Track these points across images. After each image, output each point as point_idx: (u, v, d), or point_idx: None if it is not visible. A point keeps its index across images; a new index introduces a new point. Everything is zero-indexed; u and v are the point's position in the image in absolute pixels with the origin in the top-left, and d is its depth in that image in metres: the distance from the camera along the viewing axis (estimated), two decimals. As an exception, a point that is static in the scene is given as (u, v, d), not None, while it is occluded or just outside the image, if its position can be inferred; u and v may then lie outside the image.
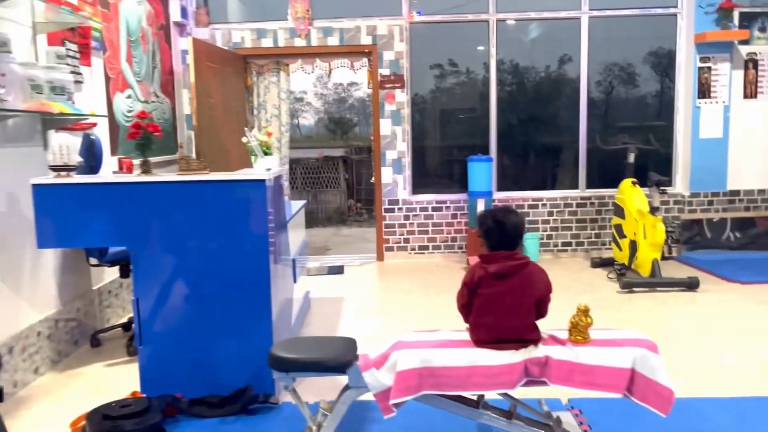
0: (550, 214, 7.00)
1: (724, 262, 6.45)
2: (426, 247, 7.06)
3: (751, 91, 6.79)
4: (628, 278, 5.56)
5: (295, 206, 4.91)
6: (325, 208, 16.04)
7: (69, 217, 3.22)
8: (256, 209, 3.25)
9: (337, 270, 6.64)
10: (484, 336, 2.61)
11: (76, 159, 3.29)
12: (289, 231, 4.32)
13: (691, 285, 5.48)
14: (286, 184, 6.70)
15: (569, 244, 7.04)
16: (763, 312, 4.85)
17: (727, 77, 6.76)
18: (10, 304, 3.59)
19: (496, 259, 2.61)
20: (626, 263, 5.93)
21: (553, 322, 2.72)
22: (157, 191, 3.23)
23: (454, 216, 7.02)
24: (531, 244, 6.77)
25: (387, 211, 7.02)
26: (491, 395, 2.63)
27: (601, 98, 7.25)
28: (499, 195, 7.00)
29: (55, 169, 3.24)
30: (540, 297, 2.59)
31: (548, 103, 7.33)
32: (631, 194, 5.93)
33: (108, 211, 3.23)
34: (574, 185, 7.09)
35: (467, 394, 2.58)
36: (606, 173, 6.99)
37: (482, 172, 6.57)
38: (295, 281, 4.43)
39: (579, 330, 2.64)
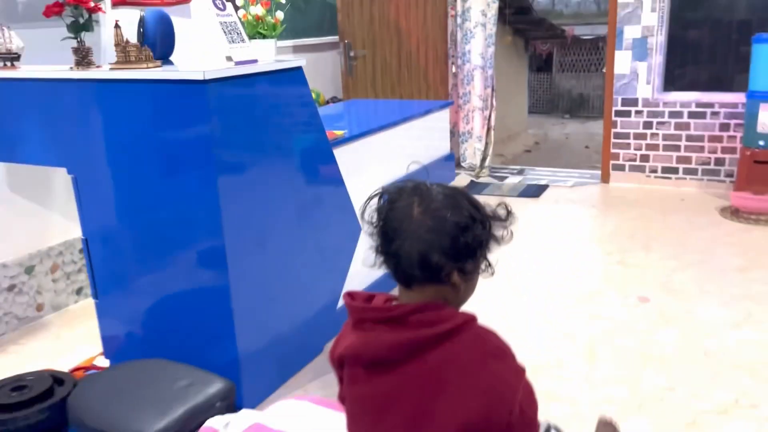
0: None
1: None
2: (674, 170, 4.89)
3: None
4: None
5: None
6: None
7: (6, 123, 2.46)
8: (192, 125, 2.04)
9: (531, 192, 4.99)
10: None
11: (19, 44, 2.44)
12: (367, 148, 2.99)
13: None
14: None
15: None
16: None
17: None
18: (37, 218, 3.10)
19: (363, 318, 1.03)
20: None
21: None
22: (86, 92, 2.23)
23: (723, 127, 4.67)
24: None
25: (619, 114, 4.98)
26: None
27: None
28: (806, 97, 4.39)
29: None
30: (469, 424, 0.96)
31: None
32: None
33: (37, 118, 2.37)
34: None
35: None
36: None
37: (775, 59, 4.09)
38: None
39: None
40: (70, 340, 2.94)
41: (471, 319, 1.02)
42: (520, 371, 1.02)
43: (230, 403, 1.55)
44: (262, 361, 2.35)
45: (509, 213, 1.06)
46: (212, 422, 1.44)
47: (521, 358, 1.05)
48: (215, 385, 1.56)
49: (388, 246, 1.04)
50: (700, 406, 2.24)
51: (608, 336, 2.75)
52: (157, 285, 2.34)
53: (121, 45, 2.17)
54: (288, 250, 2.45)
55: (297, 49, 4.77)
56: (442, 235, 1.00)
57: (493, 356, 1.01)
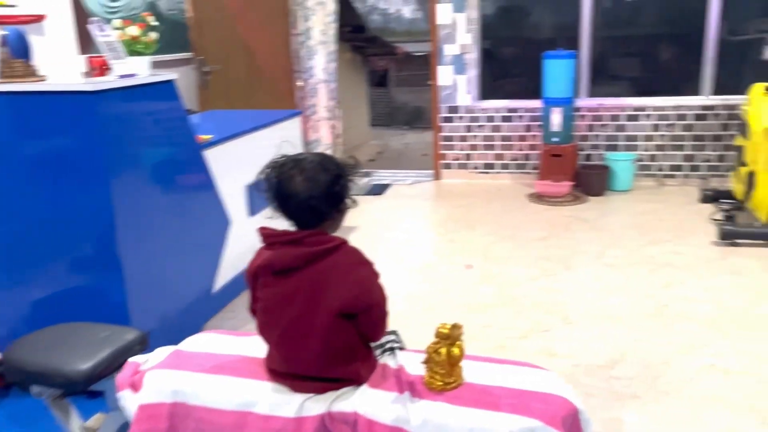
0: (656, 128, 5.34)
1: None
2: (491, 166, 5.79)
3: None
4: (731, 226, 3.98)
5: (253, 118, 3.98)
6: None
7: None
8: (80, 134, 2.37)
9: (376, 190, 5.66)
10: (274, 364, 1.60)
11: None
12: (218, 157, 3.41)
13: (830, 241, 3.79)
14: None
15: (679, 168, 5.37)
16: None
17: None
18: None
19: (274, 242, 1.53)
20: (741, 200, 4.30)
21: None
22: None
23: (528, 128, 5.63)
24: (622, 167, 5.24)
25: (445, 120, 5.81)
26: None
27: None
28: (586, 102, 5.46)
29: None
30: (343, 308, 1.48)
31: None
32: (758, 105, 4.19)
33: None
34: (693, 90, 5.30)
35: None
36: (743, 74, 5.12)
37: (560, 72, 5.07)
38: (252, 214, 3.58)
39: (435, 369, 1.52)
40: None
41: (345, 241, 1.54)
42: (377, 274, 1.55)
43: (146, 348, 1.93)
44: (152, 343, 2.69)
45: (357, 163, 1.60)
46: (133, 359, 1.82)
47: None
48: (132, 333, 1.93)
49: (284, 206, 1.52)
50: (507, 334, 2.95)
51: (442, 294, 3.41)
52: (47, 280, 2.60)
53: (7, 62, 2.44)
54: (167, 246, 2.81)
55: (155, 65, 5.02)
56: (320, 191, 1.50)
57: (360, 263, 1.53)
